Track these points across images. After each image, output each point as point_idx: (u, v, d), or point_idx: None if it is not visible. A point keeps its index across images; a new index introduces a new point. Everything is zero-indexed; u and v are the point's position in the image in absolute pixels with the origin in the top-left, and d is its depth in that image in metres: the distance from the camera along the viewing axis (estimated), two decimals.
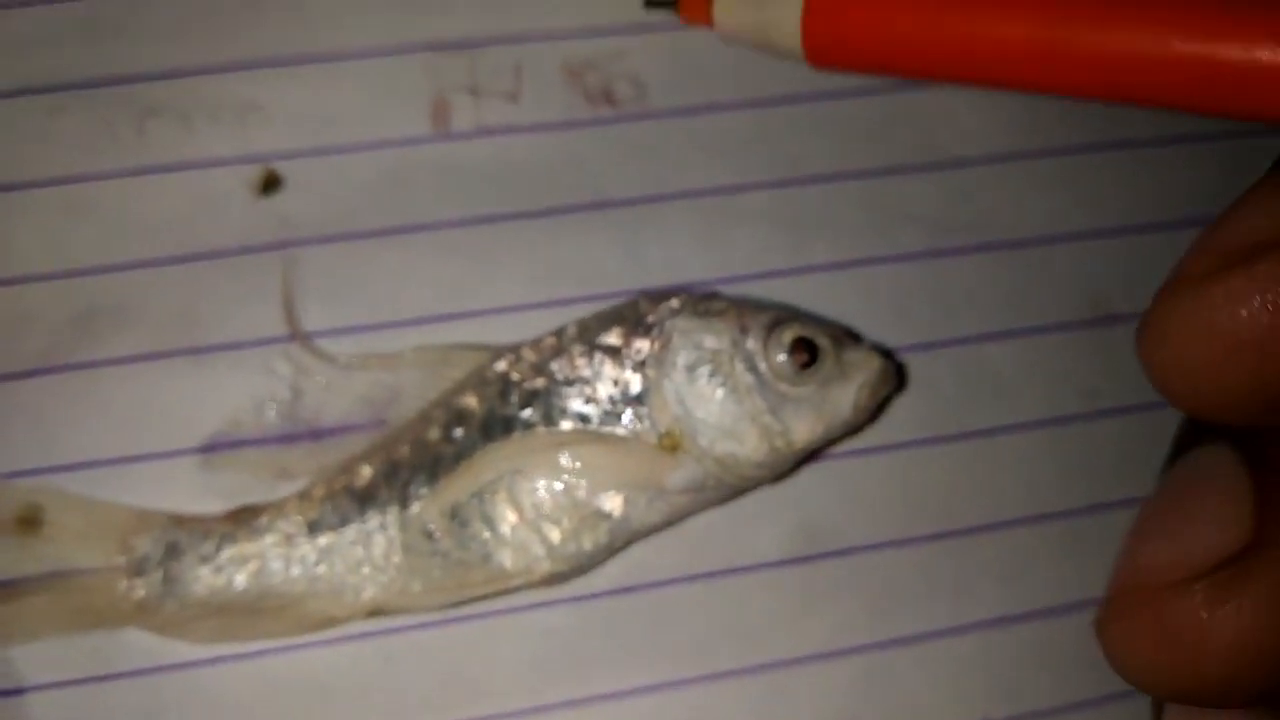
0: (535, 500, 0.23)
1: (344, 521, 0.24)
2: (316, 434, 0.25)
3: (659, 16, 0.26)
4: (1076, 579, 0.27)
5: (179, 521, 0.24)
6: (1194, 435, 0.18)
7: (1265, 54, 0.15)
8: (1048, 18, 0.15)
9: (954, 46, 0.16)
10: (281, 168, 0.26)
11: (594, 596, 0.25)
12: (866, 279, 0.27)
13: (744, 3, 0.20)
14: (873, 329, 0.27)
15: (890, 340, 0.27)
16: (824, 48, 0.18)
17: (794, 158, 0.28)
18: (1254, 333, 0.14)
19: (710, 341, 0.24)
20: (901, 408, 0.27)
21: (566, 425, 0.24)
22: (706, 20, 0.20)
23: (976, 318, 0.28)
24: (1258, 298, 0.14)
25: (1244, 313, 0.14)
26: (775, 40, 0.19)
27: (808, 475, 0.26)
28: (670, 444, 0.23)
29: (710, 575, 0.26)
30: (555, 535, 0.23)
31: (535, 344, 0.25)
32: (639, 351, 0.24)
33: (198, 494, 0.24)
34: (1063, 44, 0.15)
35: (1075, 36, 0.15)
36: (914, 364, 0.27)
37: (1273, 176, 0.16)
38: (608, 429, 0.24)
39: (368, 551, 0.23)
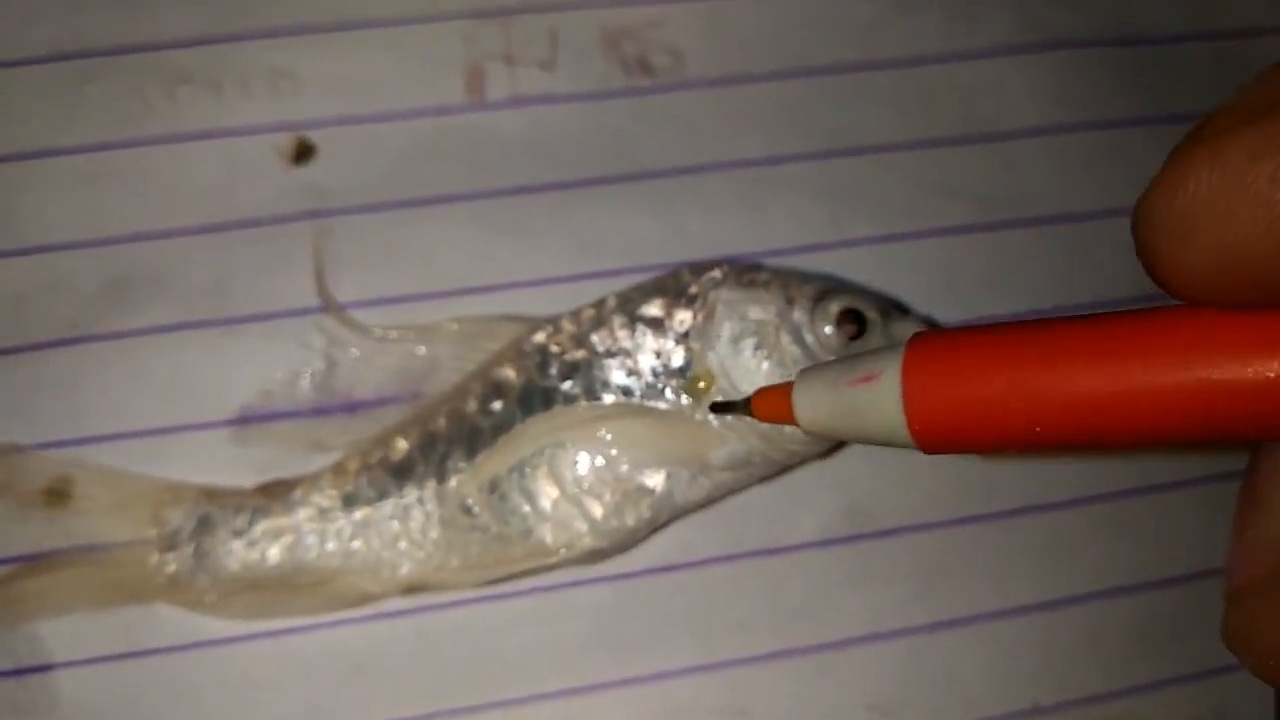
0: (576, 474, 0.23)
1: (380, 495, 0.23)
2: (350, 406, 0.24)
3: None
4: (1127, 562, 0.26)
5: (211, 495, 0.23)
6: None
7: None
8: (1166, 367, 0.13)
9: (1087, 419, 0.14)
10: (314, 136, 0.25)
11: (634, 575, 0.24)
12: (911, 253, 0.27)
13: (831, 410, 0.17)
14: (919, 304, 0.26)
15: (937, 315, 0.26)
16: (940, 444, 0.16)
17: (836, 129, 0.27)
18: None
19: (755, 312, 0.23)
20: None
21: (608, 398, 0.23)
22: (789, 420, 0.18)
23: (1025, 294, 0.27)
24: None
25: None
26: (881, 441, 0.16)
27: (851, 454, 0.25)
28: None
29: (752, 555, 0.25)
30: (597, 510, 0.23)
31: (574, 315, 0.24)
32: (682, 323, 0.23)
33: (230, 467, 0.23)
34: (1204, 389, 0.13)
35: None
36: None
37: (1271, 459, 0.15)
38: (650, 402, 0.23)
39: (404, 526, 0.23)
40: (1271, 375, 0.12)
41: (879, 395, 0.16)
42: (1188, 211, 0.12)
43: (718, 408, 0.21)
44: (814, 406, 0.17)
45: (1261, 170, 0.12)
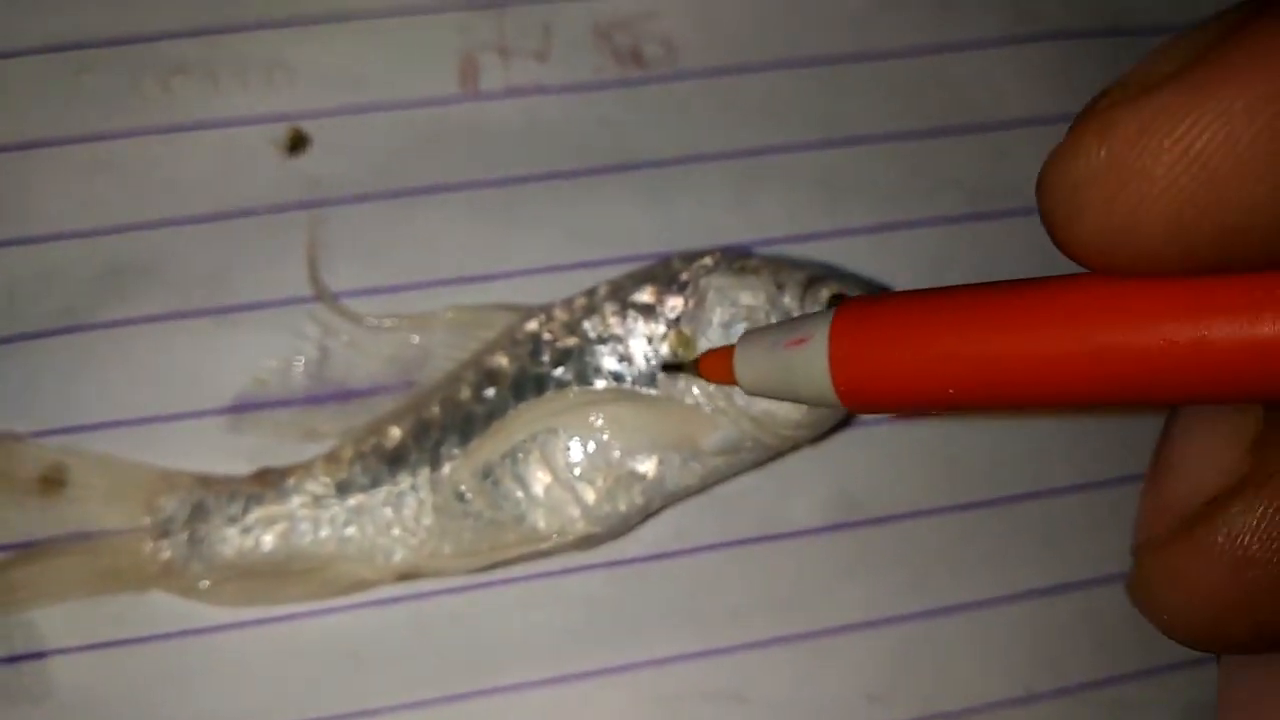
0: (569, 460, 0.23)
1: (374, 483, 0.23)
2: (344, 395, 0.24)
3: None
4: (1121, 549, 0.26)
5: (205, 482, 0.23)
6: None
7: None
8: (1083, 329, 0.14)
9: (997, 382, 0.15)
10: (308, 127, 0.26)
11: (628, 562, 0.24)
12: (904, 242, 0.27)
13: (767, 371, 0.18)
14: None
15: None
16: (865, 404, 0.17)
17: (828, 119, 0.27)
18: (1235, 592, 0.14)
19: (746, 298, 0.23)
20: None
21: (600, 384, 0.23)
22: (731, 381, 0.19)
23: None
24: (1227, 558, 0.14)
25: (1220, 574, 0.14)
26: (813, 401, 0.17)
27: (846, 441, 0.25)
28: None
29: (747, 542, 0.25)
30: (590, 495, 0.23)
31: (567, 303, 0.24)
32: (673, 309, 0.23)
33: (224, 455, 0.24)
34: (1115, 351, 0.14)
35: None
36: None
37: (1195, 413, 0.15)
38: (642, 388, 0.23)
39: (398, 513, 0.23)
40: (1165, 341, 0.13)
41: (809, 357, 0.16)
42: (1079, 186, 0.13)
43: (668, 368, 0.23)
44: (753, 368, 0.18)
45: (1146, 146, 0.12)
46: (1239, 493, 0.14)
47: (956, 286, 0.15)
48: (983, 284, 0.15)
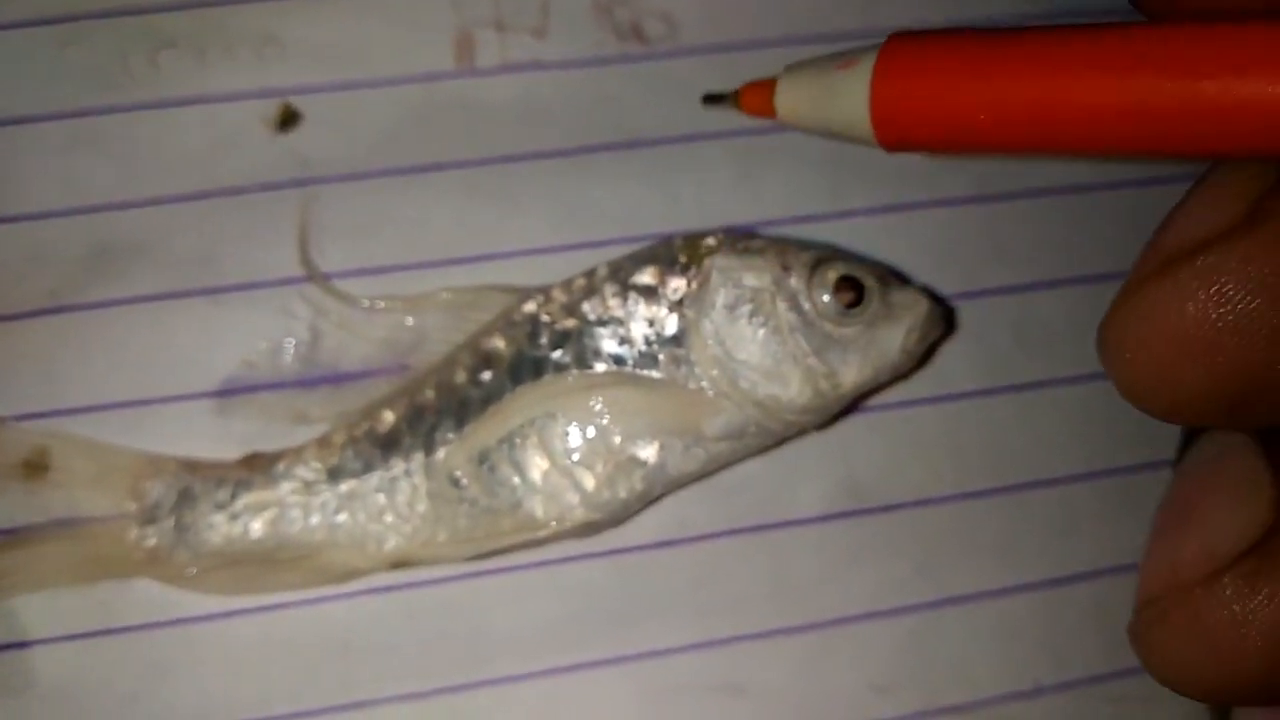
0: (567, 445, 0.22)
1: (366, 468, 0.22)
2: (336, 378, 0.24)
3: None
4: (1131, 539, 0.25)
5: (192, 467, 0.23)
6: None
7: None
8: (1122, 76, 0.15)
9: (1028, 118, 0.15)
10: (300, 103, 0.25)
11: (629, 550, 0.24)
12: (911, 224, 0.26)
13: (809, 96, 0.19)
14: (919, 275, 0.25)
15: (937, 286, 0.25)
16: (896, 134, 0.17)
17: None
18: (1200, 329, 0.14)
19: (751, 280, 0.22)
20: (950, 356, 0.25)
21: (600, 367, 0.22)
22: (770, 113, 0.19)
23: (1026, 266, 0.26)
24: (1201, 292, 0.14)
25: (1190, 308, 0.14)
26: (844, 131, 0.18)
27: (852, 427, 0.25)
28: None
29: (751, 530, 0.24)
30: (589, 482, 0.22)
31: (565, 285, 0.23)
32: (676, 291, 0.23)
33: (212, 439, 0.23)
34: (1147, 99, 0.14)
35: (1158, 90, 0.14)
36: (963, 311, 0.26)
37: (1209, 178, 0.15)
38: (643, 371, 0.22)
39: (391, 500, 0.22)
40: (1197, 87, 0.14)
41: (852, 81, 0.17)
42: None
43: (709, 99, 0.23)
44: (794, 92, 0.19)
45: None
46: (1226, 235, 0.14)
47: (1002, 28, 0.16)
48: (1028, 26, 0.16)
